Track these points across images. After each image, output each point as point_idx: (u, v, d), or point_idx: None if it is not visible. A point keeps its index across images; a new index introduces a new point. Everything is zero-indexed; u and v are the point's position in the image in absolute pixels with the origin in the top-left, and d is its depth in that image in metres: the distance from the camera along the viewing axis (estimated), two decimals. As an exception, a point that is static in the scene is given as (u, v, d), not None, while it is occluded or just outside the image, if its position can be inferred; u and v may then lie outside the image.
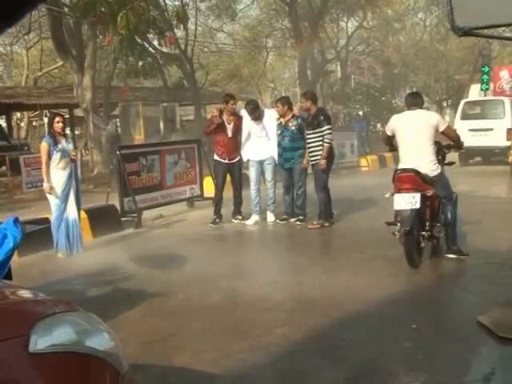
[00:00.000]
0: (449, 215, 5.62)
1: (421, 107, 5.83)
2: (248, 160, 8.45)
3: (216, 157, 8.54)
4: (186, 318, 4.47)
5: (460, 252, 5.64)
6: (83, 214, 7.49)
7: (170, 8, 19.08)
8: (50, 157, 6.68)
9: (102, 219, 8.05)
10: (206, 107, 25.22)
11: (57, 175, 6.70)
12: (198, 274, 5.70)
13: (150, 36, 17.48)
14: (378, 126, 29.76)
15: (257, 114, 8.13)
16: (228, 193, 8.65)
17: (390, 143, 6.05)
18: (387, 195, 5.61)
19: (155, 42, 18.69)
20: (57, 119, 6.81)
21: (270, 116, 8.25)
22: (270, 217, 8.39)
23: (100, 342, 1.95)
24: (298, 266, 6.01)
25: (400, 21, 29.62)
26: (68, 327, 1.90)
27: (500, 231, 7.02)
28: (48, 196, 6.79)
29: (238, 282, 5.37)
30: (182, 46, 21.27)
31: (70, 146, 6.84)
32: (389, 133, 5.90)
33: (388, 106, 28.41)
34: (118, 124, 21.83)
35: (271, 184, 8.37)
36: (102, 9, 12.57)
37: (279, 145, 8.12)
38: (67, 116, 20.41)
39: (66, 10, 15.37)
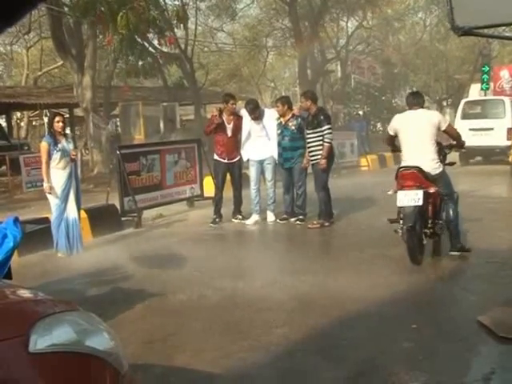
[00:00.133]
0: (451, 212, 5.69)
1: (422, 106, 5.89)
2: (248, 160, 8.45)
3: (216, 156, 8.54)
4: (185, 318, 4.48)
5: (463, 248, 5.74)
6: (83, 214, 7.49)
7: (169, 7, 19.10)
8: (50, 156, 6.68)
9: (101, 219, 8.05)
10: (206, 107, 25.22)
11: (57, 175, 6.69)
12: (198, 274, 5.70)
13: (150, 36, 17.48)
14: (378, 125, 29.77)
15: (257, 114, 8.13)
16: (228, 192, 8.65)
17: (392, 143, 6.13)
18: (390, 192, 5.68)
19: (155, 42, 18.69)
20: (57, 119, 6.81)
21: (270, 116, 8.25)
22: (270, 216, 8.39)
23: (100, 341, 1.95)
24: (297, 265, 6.00)
25: (400, 20, 29.60)
26: (68, 327, 1.90)
27: (500, 231, 7.02)
28: (48, 196, 6.79)
29: (237, 281, 5.36)
30: (182, 46, 21.26)
31: (70, 146, 6.84)
32: (391, 132, 5.95)
33: (388, 105, 28.40)
34: (118, 124, 21.83)
35: (271, 184, 8.37)
36: (102, 8, 12.57)
37: (279, 144, 8.12)
38: (67, 116, 20.41)
39: (65, 9, 15.37)
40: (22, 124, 28.78)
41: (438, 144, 5.78)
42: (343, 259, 6.16)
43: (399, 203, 5.45)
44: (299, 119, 8.06)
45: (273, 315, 4.40)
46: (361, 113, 26.82)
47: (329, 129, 7.67)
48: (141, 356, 3.64)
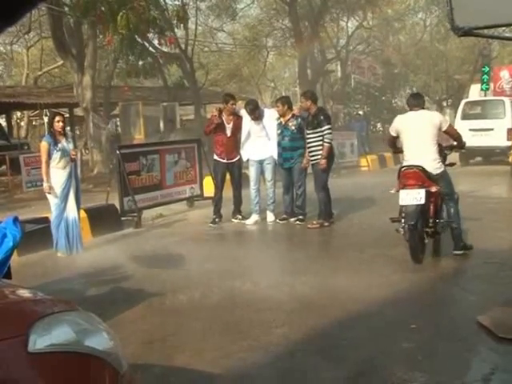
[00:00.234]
0: (452, 212, 5.77)
1: (423, 107, 5.96)
2: (248, 160, 8.45)
3: (215, 156, 8.55)
4: (185, 318, 4.47)
5: (466, 247, 5.83)
6: (83, 214, 7.50)
7: (170, 7, 19.09)
8: (49, 156, 6.68)
9: (101, 219, 8.05)
10: (206, 107, 25.22)
11: (57, 175, 6.69)
12: (198, 274, 5.70)
13: (150, 35, 17.48)
14: (378, 125, 29.76)
15: (256, 114, 8.13)
16: (228, 192, 8.65)
17: (394, 144, 6.23)
18: (392, 191, 5.76)
19: (155, 42, 18.69)
20: (57, 118, 6.81)
21: (270, 116, 8.25)
22: (270, 216, 8.39)
23: (99, 341, 1.95)
24: (297, 265, 6.00)
25: (400, 20, 29.60)
26: (67, 327, 1.89)
27: (500, 231, 7.02)
28: (48, 195, 6.79)
29: (237, 281, 5.36)
30: (182, 46, 21.25)
31: (70, 146, 6.84)
32: (393, 133, 6.03)
33: (388, 105, 28.41)
34: (118, 123, 21.82)
35: (271, 184, 8.38)
36: (102, 8, 12.58)
37: (279, 144, 8.12)
38: (67, 115, 20.39)
39: (66, 9, 15.37)
40: (22, 124, 28.78)
41: (439, 145, 5.83)
42: (343, 259, 6.16)
43: (401, 202, 5.53)
44: (299, 119, 8.06)
45: (272, 315, 4.40)
46: (361, 113, 26.79)
47: (329, 129, 7.68)
48: (140, 356, 3.64)
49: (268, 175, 8.41)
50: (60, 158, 6.67)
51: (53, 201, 6.73)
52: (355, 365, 3.53)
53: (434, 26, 31.20)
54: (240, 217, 8.44)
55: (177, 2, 20.88)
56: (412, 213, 5.42)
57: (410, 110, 5.91)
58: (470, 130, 14.58)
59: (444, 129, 5.76)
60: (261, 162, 8.35)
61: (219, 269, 5.86)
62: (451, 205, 5.78)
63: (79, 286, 5.57)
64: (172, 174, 9.67)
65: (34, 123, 29.81)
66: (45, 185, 6.73)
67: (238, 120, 8.28)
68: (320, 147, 7.67)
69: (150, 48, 19.27)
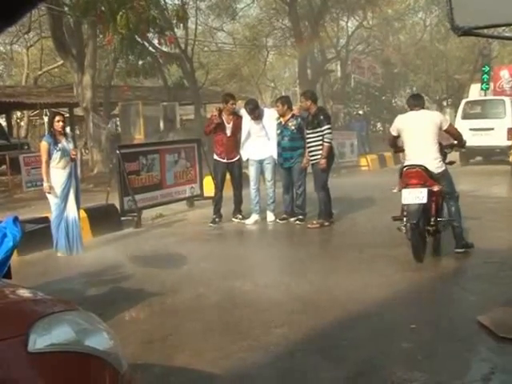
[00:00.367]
0: (453, 211, 5.84)
1: (423, 108, 6.04)
2: (248, 159, 8.46)
3: (215, 156, 8.55)
4: (185, 318, 4.47)
5: (467, 245, 5.90)
6: (83, 214, 7.50)
7: (169, 7, 19.11)
8: (49, 156, 6.67)
9: (101, 218, 8.05)
10: (206, 106, 25.22)
11: (57, 174, 6.69)
12: (198, 274, 5.70)
13: (150, 35, 17.47)
14: (378, 125, 29.76)
15: (256, 114, 8.13)
16: (228, 192, 8.65)
17: (395, 144, 6.32)
18: (395, 190, 5.83)
19: (155, 42, 18.69)
20: (57, 118, 6.81)
21: (270, 115, 8.25)
22: (270, 216, 8.39)
23: (99, 341, 1.95)
24: (297, 265, 6.01)
25: (400, 20, 29.60)
26: (67, 327, 1.89)
27: (500, 230, 7.03)
28: (48, 195, 6.78)
29: (237, 281, 5.36)
30: (182, 46, 21.25)
31: (70, 146, 6.84)
32: (394, 133, 6.09)
33: (388, 105, 28.41)
34: (118, 123, 21.82)
35: (271, 183, 8.38)
36: (102, 8, 12.57)
37: (279, 144, 8.12)
38: (67, 115, 20.38)
39: (66, 9, 15.37)
40: (22, 123, 28.78)
41: (439, 144, 5.89)
42: (343, 259, 6.15)
43: (404, 201, 5.60)
44: (299, 119, 8.06)
45: (272, 315, 4.40)
46: (361, 112, 26.80)
47: (329, 129, 7.68)
48: (140, 356, 3.64)
49: (268, 175, 8.41)
50: (60, 157, 6.67)
51: (53, 201, 6.72)
52: (355, 365, 3.53)
53: (434, 26, 31.22)
54: (240, 216, 8.44)
55: (176, 2, 20.94)
56: (414, 212, 5.49)
57: (411, 110, 5.98)
58: (471, 129, 14.57)
59: (444, 128, 5.83)
60: (261, 162, 8.35)
61: (219, 269, 5.86)
62: (452, 203, 5.85)
63: (79, 285, 5.57)
64: (172, 174, 9.67)
65: (34, 123, 29.82)
66: (45, 185, 6.73)
67: (237, 120, 8.28)
68: (320, 147, 7.67)
69: (150, 48, 19.26)
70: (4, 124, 23.23)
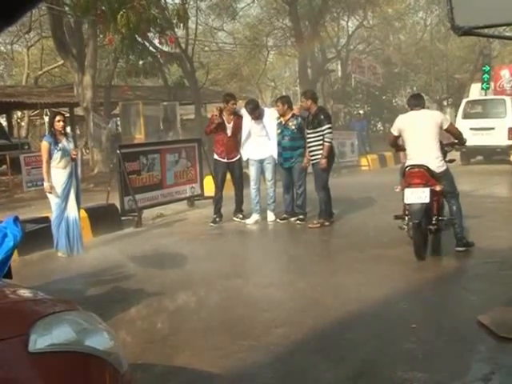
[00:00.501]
0: (454, 209, 5.88)
1: (423, 107, 6.09)
2: (248, 159, 8.46)
3: (216, 156, 8.55)
4: (185, 318, 4.47)
5: (467, 244, 5.94)
6: (83, 213, 7.49)
7: (170, 7, 19.09)
8: (50, 156, 6.67)
9: (102, 218, 8.04)
10: (206, 106, 25.22)
11: (57, 174, 6.69)
12: (198, 274, 5.70)
13: (151, 35, 17.48)
14: (379, 125, 29.74)
15: (257, 114, 8.13)
16: (228, 192, 8.65)
17: (396, 143, 6.34)
18: (397, 190, 5.88)
19: (156, 41, 18.70)
20: (57, 118, 6.80)
21: (270, 115, 8.24)
22: (270, 216, 8.39)
23: (100, 341, 1.95)
24: (297, 265, 6.01)
25: (400, 20, 29.61)
26: (67, 326, 1.89)
27: (500, 230, 7.02)
28: (48, 195, 6.78)
29: (237, 281, 5.37)
30: (183, 45, 21.25)
31: (71, 145, 6.83)
32: (395, 133, 6.12)
33: (388, 105, 28.41)
34: (119, 123, 21.82)
35: (271, 183, 8.37)
36: (103, 7, 12.58)
37: (279, 144, 8.12)
38: (68, 115, 20.37)
39: (66, 8, 15.38)
40: (23, 123, 28.78)
41: (440, 143, 5.93)
42: (343, 259, 6.16)
43: (406, 200, 5.63)
44: (299, 119, 8.06)
45: (272, 315, 4.40)
46: (361, 112, 26.80)
47: (329, 128, 7.67)
48: (141, 356, 3.64)
49: (268, 175, 8.40)
50: (61, 157, 6.67)
51: (53, 200, 6.72)
52: (355, 364, 3.53)
53: (434, 26, 31.22)
54: (241, 216, 8.44)
55: (177, 1, 20.90)
56: (417, 211, 5.53)
57: (411, 109, 6.01)
58: (471, 129, 14.55)
59: (445, 127, 5.88)
60: (261, 162, 8.35)
61: (220, 268, 5.86)
62: (453, 202, 5.89)
63: (79, 285, 5.57)
64: (172, 174, 9.67)
65: (34, 123, 29.82)
66: (46, 184, 6.72)
67: (238, 120, 8.28)
68: (320, 147, 7.67)
69: (151, 47, 19.27)
70: (4, 124, 23.24)
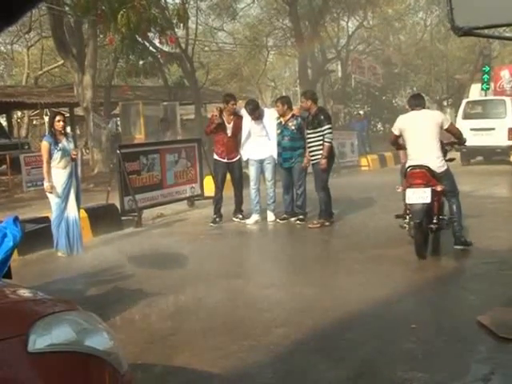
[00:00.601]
0: (454, 208, 5.93)
1: (424, 107, 6.12)
2: (248, 159, 8.46)
3: (216, 156, 8.55)
4: (185, 318, 4.47)
5: (466, 242, 5.97)
6: (83, 213, 7.49)
7: (170, 7, 19.10)
8: (50, 156, 6.67)
9: (102, 218, 8.05)
10: (206, 106, 25.22)
11: (57, 174, 6.69)
12: (198, 274, 5.70)
13: (151, 35, 17.48)
14: (379, 125, 29.75)
15: (257, 114, 8.13)
16: (228, 192, 8.65)
17: (397, 142, 6.37)
18: (399, 190, 5.95)
19: (156, 41, 18.71)
20: (57, 118, 6.80)
21: (270, 115, 8.25)
22: (270, 216, 8.39)
23: (99, 341, 1.95)
24: (297, 265, 6.01)
25: (400, 20, 29.61)
26: (67, 326, 1.89)
27: (500, 230, 7.02)
28: (48, 195, 6.78)
29: (237, 281, 5.37)
30: (183, 45, 21.25)
31: (71, 145, 6.84)
32: (396, 132, 6.16)
33: (388, 105, 28.41)
34: (119, 123, 21.82)
35: (271, 183, 8.37)
36: (103, 7, 12.59)
37: (279, 144, 8.12)
38: (68, 115, 20.37)
39: (66, 8, 15.38)
40: (23, 123, 28.78)
41: (440, 142, 5.96)
42: (343, 259, 6.15)
43: (408, 200, 5.68)
44: (299, 119, 8.06)
45: (272, 315, 4.39)
46: (361, 112, 26.83)
47: (329, 128, 7.68)
48: (140, 356, 3.64)
49: (268, 175, 8.40)
50: (61, 157, 6.67)
51: (53, 200, 6.72)
52: (355, 365, 3.53)
53: (434, 26, 31.23)
54: (241, 216, 8.44)
55: (177, 1, 20.90)
56: (418, 211, 5.57)
57: (412, 109, 6.04)
58: (471, 129, 14.54)
59: (446, 127, 5.91)
60: (261, 162, 8.35)
61: (219, 268, 5.86)
62: (453, 201, 5.94)
63: (79, 285, 5.57)
64: (172, 174, 9.67)
65: (34, 123, 29.82)
66: (46, 184, 6.72)
67: (238, 120, 8.28)
68: (320, 147, 7.67)
69: (151, 47, 19.27)
70: (4, 124, 23.24)
